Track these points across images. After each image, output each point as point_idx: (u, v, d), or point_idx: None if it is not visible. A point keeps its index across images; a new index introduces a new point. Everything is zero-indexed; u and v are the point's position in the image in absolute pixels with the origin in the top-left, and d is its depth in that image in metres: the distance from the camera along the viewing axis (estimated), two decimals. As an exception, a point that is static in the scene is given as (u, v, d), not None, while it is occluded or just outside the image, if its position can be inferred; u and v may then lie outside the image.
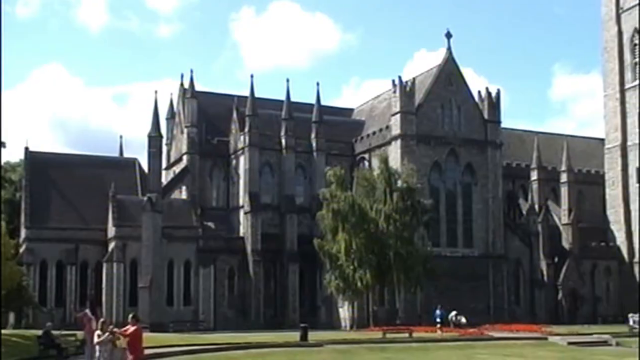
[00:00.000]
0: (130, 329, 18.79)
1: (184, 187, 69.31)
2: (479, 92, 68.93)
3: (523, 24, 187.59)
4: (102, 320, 21.13)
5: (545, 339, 43.69)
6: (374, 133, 68.94)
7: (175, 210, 64.10)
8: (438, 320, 48.42)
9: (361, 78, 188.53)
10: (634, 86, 75.74)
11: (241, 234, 65.62)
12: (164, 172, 71.01)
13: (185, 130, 70.89)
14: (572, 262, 70.61)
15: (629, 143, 75.61)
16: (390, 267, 53.79)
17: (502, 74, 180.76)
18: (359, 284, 53.30)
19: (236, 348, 35.65)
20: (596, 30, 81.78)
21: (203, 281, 62.17)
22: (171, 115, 77.49)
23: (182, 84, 74.59)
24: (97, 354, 19.74)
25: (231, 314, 62.98)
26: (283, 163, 67.85)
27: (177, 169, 72.31)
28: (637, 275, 73.11)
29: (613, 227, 76.01)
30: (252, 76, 67.60)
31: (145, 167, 66.25)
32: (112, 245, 61.44)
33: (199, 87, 72.49)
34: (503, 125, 69.75)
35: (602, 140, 79.94)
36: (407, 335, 43.76)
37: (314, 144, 69.14)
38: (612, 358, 34.59)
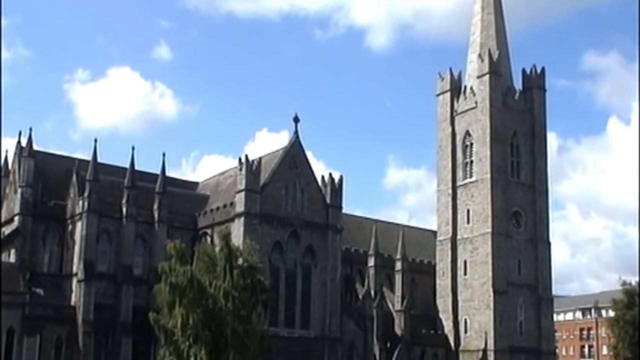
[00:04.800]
0: None
1: (13, 250, 65.32)
2: (323, 176, 71.02)
3: (360, 114, 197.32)
4: None
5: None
6: (217, 208, 68.85)
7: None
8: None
9: (201, 152, 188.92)
10: (465, 184, 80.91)
11: (73, 303, 62.47)
12: (-7, 233, 67.00)
13: (19, 190, 67.36)
14: (404, 348, 72.55)
15: (458, 237, 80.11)
16: (226, 344, 52.91)
17: (341, 161, 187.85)
18: (193, 360, 52.00)
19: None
20: (429, 129, 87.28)
21: (27, 351, 58.23)
22: (5, 173, 73.70)
23: (19, 142, 71.35)
24: None
25: (55, 388, 59.38)
26: (122, 232, 65.96)
27: (7, 230, 68.23)
28: (461, 363, 76.54)
29: (442, 315, 79.40)
30: (95, 140, 66.31)
31: (-29, 226, 62.12)
32: None
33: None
34: (343, 210, 71.82)
35: (435, 232, 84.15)
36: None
37: (156, 215, 67.92)
38: None
